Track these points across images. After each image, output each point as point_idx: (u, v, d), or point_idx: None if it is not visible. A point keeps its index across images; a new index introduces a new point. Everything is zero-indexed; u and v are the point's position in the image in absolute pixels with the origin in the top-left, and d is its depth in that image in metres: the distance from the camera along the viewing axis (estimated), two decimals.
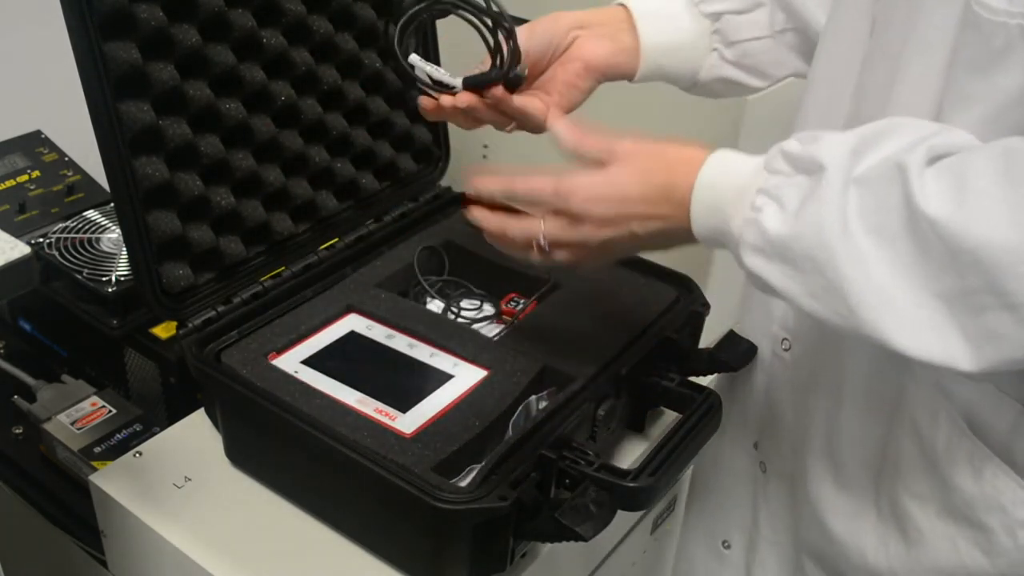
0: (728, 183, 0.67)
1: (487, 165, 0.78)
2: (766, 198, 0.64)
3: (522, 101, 0.80)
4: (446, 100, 0.81)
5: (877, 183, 0.59)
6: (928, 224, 0.57)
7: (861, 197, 0.60)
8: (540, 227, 0.74)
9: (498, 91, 0.79)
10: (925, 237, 0.57)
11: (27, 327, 1.13)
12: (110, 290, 0.99)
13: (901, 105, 0.71)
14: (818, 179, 0.61)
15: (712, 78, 0.91)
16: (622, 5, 0.88)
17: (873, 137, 0.62)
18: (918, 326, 0.58)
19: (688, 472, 1.05)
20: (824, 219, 0.60)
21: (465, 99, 0.80)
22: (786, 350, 0.88)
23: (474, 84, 0.80)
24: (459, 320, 0.99)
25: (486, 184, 0.78)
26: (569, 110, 0.85)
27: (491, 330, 0.97)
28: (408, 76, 0.82)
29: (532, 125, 0.82)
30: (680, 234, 0.70)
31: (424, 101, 0.82)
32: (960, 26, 0.65)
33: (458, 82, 0.80)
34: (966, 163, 0.58)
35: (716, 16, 0.87)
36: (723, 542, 1.02)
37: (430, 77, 0.81)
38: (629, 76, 0.89)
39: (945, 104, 0.67)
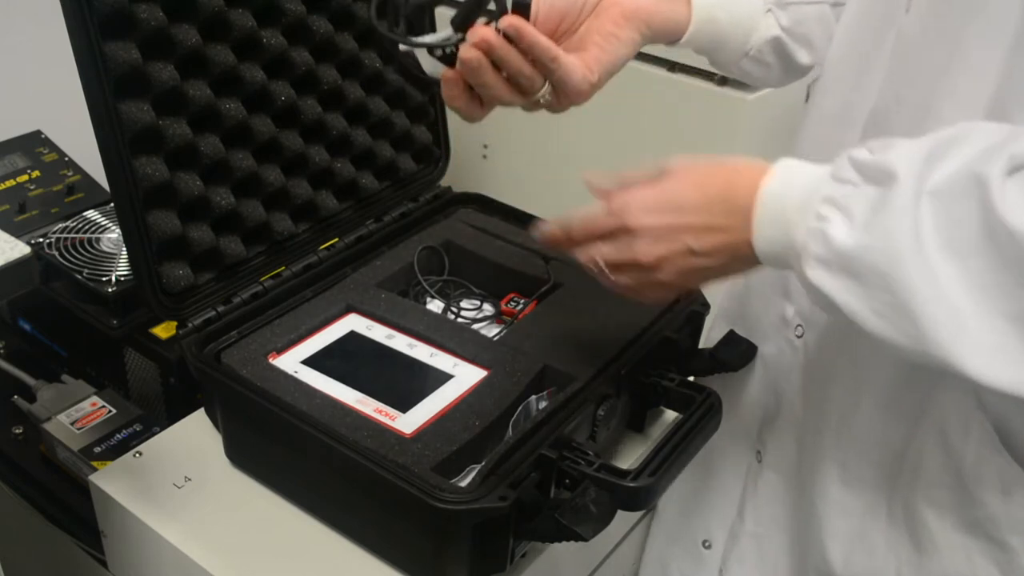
0: (793, 192, 0.63)
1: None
2: (833, 208, 0.60)
3: (544, 40, 0.68)
4: (463, 55, 0.68)
5: (953, 195, 0.55)
6: (1009, 237, 0.53)
7: (935, 210, 0.55)
8: (599, 248, 0.71)
9: (513, 20, 0.67)
10: (1005, 252, 0.53)
11: (27, 327, 1.13)
12: (110, 290, 0.99)
13: (954, 92, 0.67)
14: (889, 189, 0.57)
15: (764, 41, 0.85)
16: None
17: (947, 145, 0.57)
18: (992, 351, 0.54)
19: None
20: (895, 232, 0.56)
21: (480, 35, 0.67)
22: (799, 336, 0.84)
23: (465, 16, 0.67)
24: (459, 320, 0.99)
25: (548, 227, 0.75)
26: (612, 68, 0.75)
27: (491, 330, 0.97)
28: (408, 63, 0.72)
29: (569, 85, 0.71)
30: (740, 250, 0.65)
31: (445, 76, 0.71)
32: None
33: (450, 32, 0.68)
34: None
35: None
36: (704, 542, 0.97)
37: (429, 51, 0.70)
38: (677, 32, 0.81)
39: (1007, 94, 0.63)
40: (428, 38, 0.70)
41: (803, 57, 0.89)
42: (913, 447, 0.76)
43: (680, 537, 1.01)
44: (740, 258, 0.66)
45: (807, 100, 0.89)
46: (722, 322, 0.98)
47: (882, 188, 0.58)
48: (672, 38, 0.82)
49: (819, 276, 0.60)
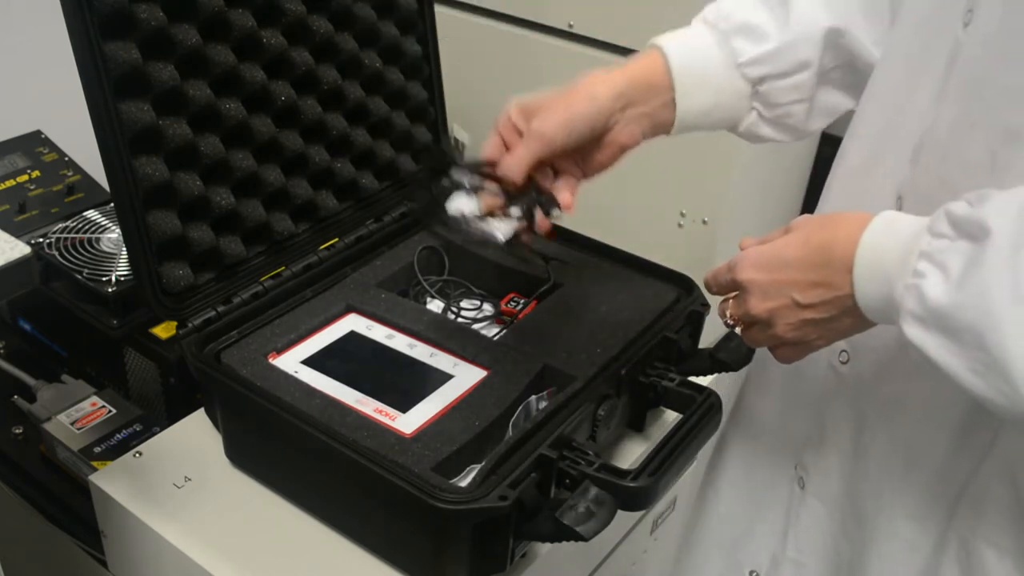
0: (892, 245, 0.62)
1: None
2: (928, 263, 0.59)
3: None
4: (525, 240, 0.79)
5: None
6: None
7: None
8: (727, 304, 0.74)
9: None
10: None
11: (27, 327, 1.13)
12: (110, 290, 0.99)
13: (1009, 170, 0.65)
14: (983, 245, 0.56)
15: (745, 134, 0.87)
16: (659, 50, 0.81)
17: None
18: None
19: (688, 472, 1.05)
20: (989, 289, 0.55)
21: (544, 227, 0.79)
22: (844, 363, 0.82)
23: (529, 212, 0.78)
24: (459, 320, 0.99)
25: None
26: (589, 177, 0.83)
27: (491, 330, 0.97)
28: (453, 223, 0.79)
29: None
30: (846, 304, 0.65)
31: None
32: None
33: (500, 237, 0.78)
34: None
35: (759, 80, 0.82)
36: (751, 572, 0.95)
37: (472, 225, 0.78)
38: (665, 131, 0.85)
39: None
40: (502, 226, 0.79)
41: (788, 139, 0.88)
42: (978, 482, 0.73)
43: (728, 570, 0.98)
44: (849, 312, 0.66)
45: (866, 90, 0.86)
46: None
47: (976, 244, 0.57)
48: (660, 134, 0.84)
49: (915, 333, 0.60)
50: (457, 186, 0.79)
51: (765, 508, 0.93)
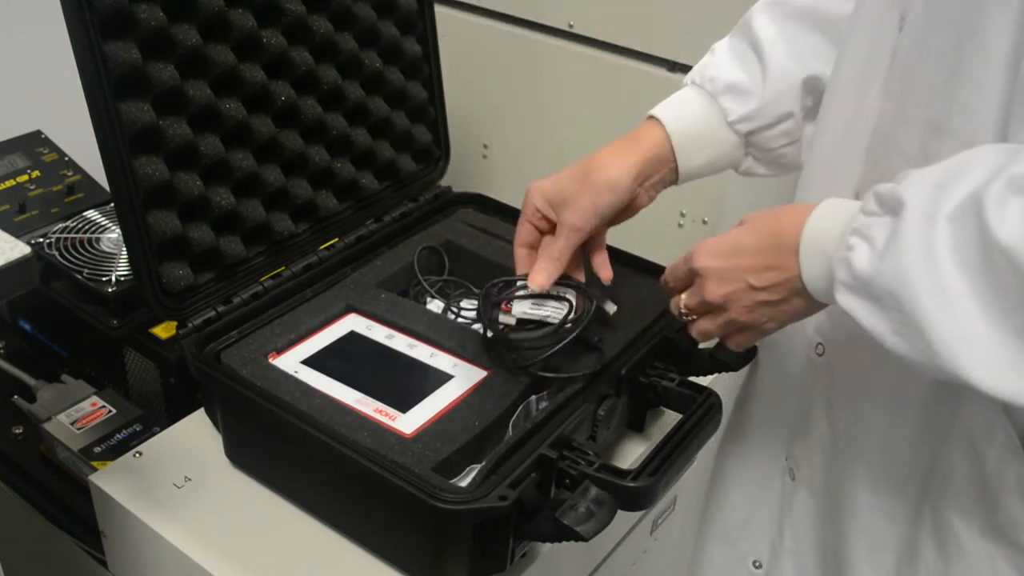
0: (832, 226, 0.67)
1: None
2: (857, 237, 0.64)
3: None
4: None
5: (955, 218, 0.59)
6: (1001, 253, 0.56)
7: (941, 234, 0.59)
8: (680, 297, 0.79)
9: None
10: (1000, 269, 0.56)
11: (27, 327, 1.13)
12: (110, 290, 0.99)
13: (964, 108, 0.69)
14: (900, 217, 0.61)
15: (745, 173, 0.94)
16: (658, 122, 0.89)
17: (957, 171, 0.61)
18: (997, 365, 0.57)
19: (688, 472, 1.05)
20: (905, 256, 0.60)
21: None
22: (820, 355, 0.86)
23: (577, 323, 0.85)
24: (459, 320, 0.99)
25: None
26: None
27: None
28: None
29: None
30: (795, 285, 0.70)
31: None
32: (1020, 29, 0.63)
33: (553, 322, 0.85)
34: None
35: (749, 133, 0.89)
36: (754, 562, 0.99)
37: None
38: (671, 184, 0.93)
39: (1013, 110, 0.66)
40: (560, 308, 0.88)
41: (784, 173, 0.94)
42: (943, 458, 0.77)
43: (732, 561, 1.02)
44: (798, 293, 0.71)
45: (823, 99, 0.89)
46: None
47: (895, 217, 0.62)
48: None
49: (845, 300, 0.65)
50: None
51: (762, 500, 0.96)
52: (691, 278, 0.77)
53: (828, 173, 0.83)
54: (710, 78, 0.89)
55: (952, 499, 0.76)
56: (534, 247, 0.89)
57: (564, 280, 0.89)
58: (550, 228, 0.88)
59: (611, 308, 0.90)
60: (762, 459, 0.95)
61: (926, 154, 0.71)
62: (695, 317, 0.79)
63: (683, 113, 0.89)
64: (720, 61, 0.90)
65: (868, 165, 0.78)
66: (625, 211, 0.88)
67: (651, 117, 0.90)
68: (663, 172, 0.89)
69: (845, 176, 0.80)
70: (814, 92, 0.88)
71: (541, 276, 0.86)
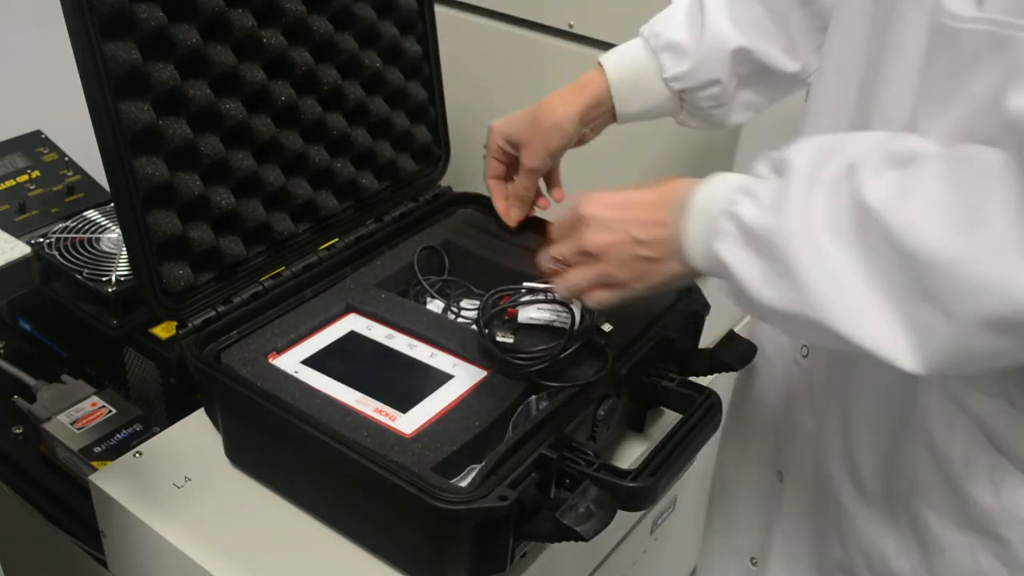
0: (721, 192, 0.69)
1: None
2: (744, 195, 0.67)
3: None
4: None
5: (835, 183, 0.62)
6: (868, 213, 0.59)
7: (821, 195, 0.62)
8: (557, 246, 0.79)
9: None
10: (868, 229, 0.59)
11: (27, 327, 1.13)
12: (110, 290, 0.99)
13: (882, 111, 0.73)
14: (788, 178, 0.65)
15: (680, 123, 0.99)
16: (601, 68, 0.95)
17: (840, 142, 0.66)
18: (863, 318, 0.60)
19: (688, 472, 1.05)
20: (787, 214, 0.63)
21: None
22: (804, 356, 0.88)
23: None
24: (459, 320, 0.99)
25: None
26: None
27: None
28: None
29: None
30: (675, 245, 0.71)
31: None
32: (930, 32, 0.66)
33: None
34: (919, 163, 0.59)
35: (681, 91, 0.94)
36: (751, 559, 1.01)
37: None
38: (608, 124, 0.99)
39: (920, 110, 0.68)
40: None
41: (722, 126, 1.00)
42: (905, 455, 0.78)
43: (731, 557, 1.05)
44: (675, 255, 0.72)
45: (806, 100, 0.90)
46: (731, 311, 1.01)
47: (783, 177, 0.65)
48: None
49: (725, 249, 0.67)
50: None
51: (754, 501, 0.98)
52: (575, 223, 0.77)
53: None
54: (655, 33, 0.94)
55: (922, 497, 0.77)
56: (501, 178, 1.03)
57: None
58: (511, 161, 1.01)
59: (607, 327, 0.90)
60: (754, 460, 0.98)
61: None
62: (565, 267, 0.79)
63: (625, 63, 0.96)
64: (670, 17, 0.94)
65: None
66: (575, 145, 0.97)
67: (599, 64, 0.96)
68: (603, 112, 0.96)
69: None
70: (746, 62, 0.93)
71: (515, 213, 1.03)
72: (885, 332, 0.59)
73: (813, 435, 0.88)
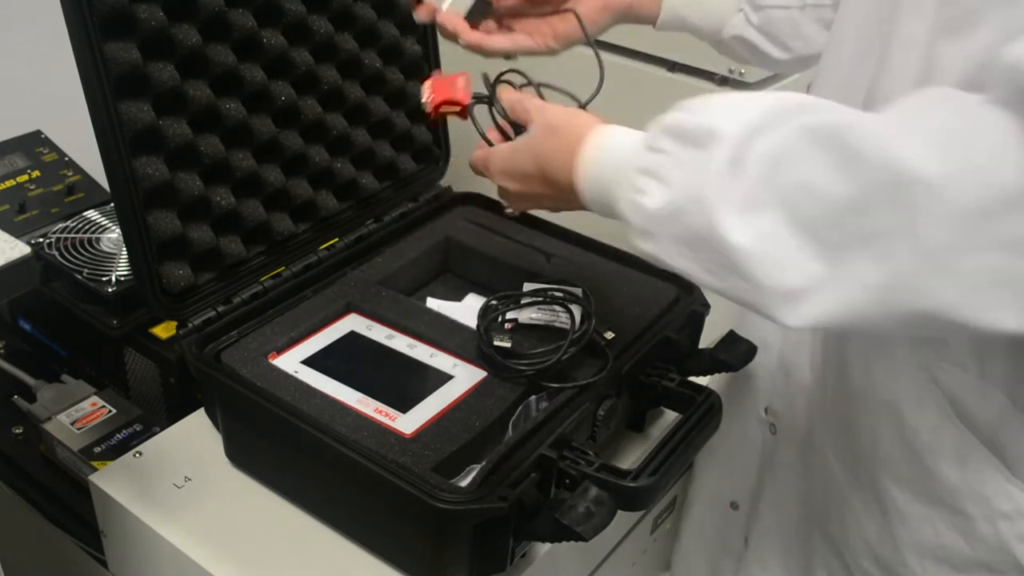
0: (608, 165, 0.67)
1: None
2: (647, 178, 0.61)
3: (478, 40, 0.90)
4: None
5: (766, 163, 0.56)
6: (800, 190, 0.55)
7: (748, 170, 0.56)
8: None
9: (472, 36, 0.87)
10: (799, 207, 0.55)
11: (27, 327, 1.13)
12: (110, 290, 0.99)
13: (892, 71, 0.70)
14: (708, 151, 0.58)
15: (733, 37, 0.91)
16: None
17: (763, 111, 0.58)
18: (794, 295, 0.56)
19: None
20: (710, 193, 0.57)
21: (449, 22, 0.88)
22: None
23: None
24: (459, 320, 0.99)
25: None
26: (574, 43, 0.91)
27: None
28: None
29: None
30: (581, 206, 0.71)
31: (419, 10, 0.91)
32: (938, 11, 0.65)
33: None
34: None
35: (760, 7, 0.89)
36: (731, 503, 1.00)
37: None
38: (649, 21, 0.91)
39: (928, 73, 0.67)
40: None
41: (775, 53, 0.93)
42: (865, 423, 0.78)
43: (710, 499, 1.03)
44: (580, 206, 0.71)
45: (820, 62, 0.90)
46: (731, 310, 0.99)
47: (702, 150, 0.58)
48: (644, 23, 0.92)
49: (644, 246, 0.63)
50: None
51: (742, 450, 0.96)
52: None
53: None
54: None
55: (884, 467, 0.77)
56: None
57: (569, 295, 0.90)
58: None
59: (609, 335, 0.90)
60: (742, 411, 0.95)
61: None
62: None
63: None
64: None
65: None
66: (562, 15, 0.91)
67: None
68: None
69: None
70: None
71: (422, 13, 0.93)
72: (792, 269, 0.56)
73: (811, 388, 0.86)
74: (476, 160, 0.80)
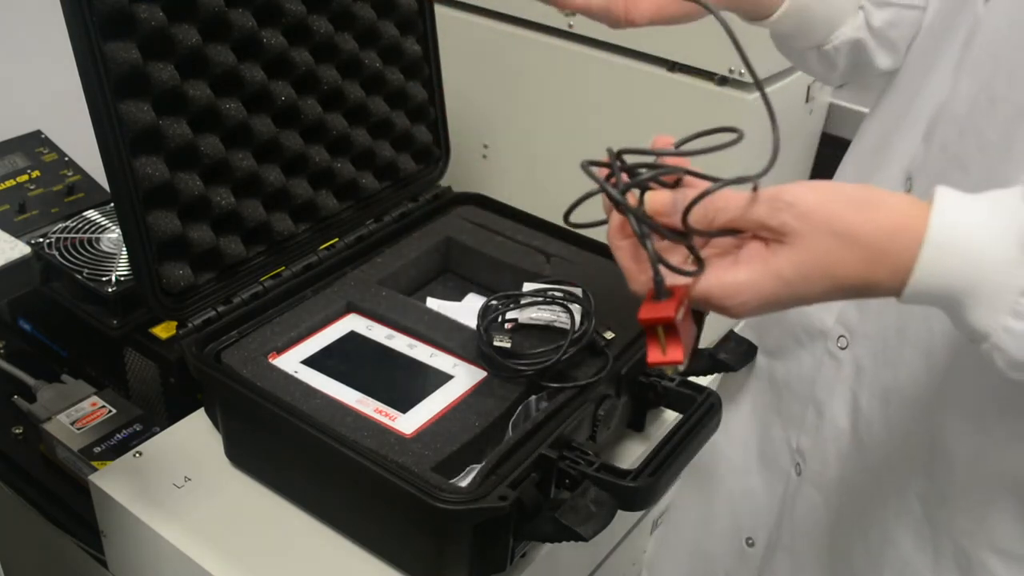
0: (970, 268, 0.52)
1: None
2: None
3: None
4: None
5: None
6: None
7: None
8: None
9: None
10: None
11: (27, 327, 1.13)
12: (110, 290, 0.99)
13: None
14: None
15: (844, 41, 0.81)
16: None
17: None
18: None
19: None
20: None
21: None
22: (842, 348, 0.80)
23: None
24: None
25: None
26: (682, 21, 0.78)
27: None
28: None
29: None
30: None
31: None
32: None
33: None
34: None
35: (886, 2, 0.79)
36: (747, 539, 0.95)
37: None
38: (766, 12, 0.78)
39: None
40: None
41: (882, 61, 0.82)
42: (974, 481, 0.70)
43: (728, 532, 0.97)
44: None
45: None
46: (748, 331, 0.95)
47: None
48: (758, 16, 0.78)
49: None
50: None
51: (765, 480, 0.92)
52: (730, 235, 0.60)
53: (878, 148, 0.78)
54: None
55: (984, 532, 0.70)
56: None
57: (569, 295, 0.90)
58: None
59: (609, 335, 0.90)
60: (770, 439, 0.90)
61: (1009, 143, 0.63)
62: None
63: None
64: None
65: (931, 147, 0.71)
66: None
67: None
68: None
69: (896, 155, 0.75)
70: None
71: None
72: None
73: (845, 431, 0.81)
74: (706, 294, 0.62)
